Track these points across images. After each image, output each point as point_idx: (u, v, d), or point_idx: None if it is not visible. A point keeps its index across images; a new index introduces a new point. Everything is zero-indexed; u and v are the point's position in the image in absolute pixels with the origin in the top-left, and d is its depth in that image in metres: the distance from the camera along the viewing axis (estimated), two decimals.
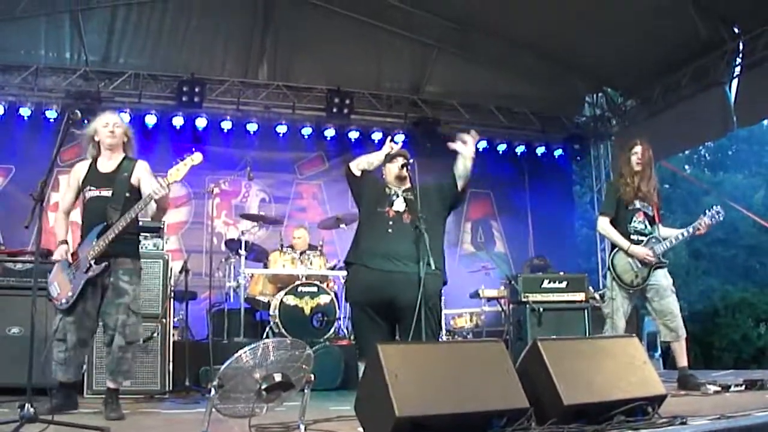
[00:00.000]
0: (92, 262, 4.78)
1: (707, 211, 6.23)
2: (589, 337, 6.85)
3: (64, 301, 4.81)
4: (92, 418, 4.50)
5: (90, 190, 4.99)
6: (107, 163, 5.09)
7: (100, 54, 11.07)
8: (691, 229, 6.20)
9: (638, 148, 6.38)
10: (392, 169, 5.55)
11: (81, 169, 5.13)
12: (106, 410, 4.74)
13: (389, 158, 5.60)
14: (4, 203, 9.98)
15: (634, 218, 6.27)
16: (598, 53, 11.55)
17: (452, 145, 5.44)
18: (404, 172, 5.45)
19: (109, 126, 5.10)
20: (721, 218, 6.22)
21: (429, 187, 5.52)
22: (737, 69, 10.49)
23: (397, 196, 5.40)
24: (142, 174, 5.08)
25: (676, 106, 11.41)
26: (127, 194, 4.99)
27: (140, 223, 5.46)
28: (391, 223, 5.29)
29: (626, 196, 6.30)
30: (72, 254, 4.91)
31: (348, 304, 5.77)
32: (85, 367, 5.33)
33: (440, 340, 6.67)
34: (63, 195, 5.22)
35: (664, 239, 6.22)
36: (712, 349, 17.09)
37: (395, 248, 5.18)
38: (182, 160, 4.96)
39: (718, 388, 5.65)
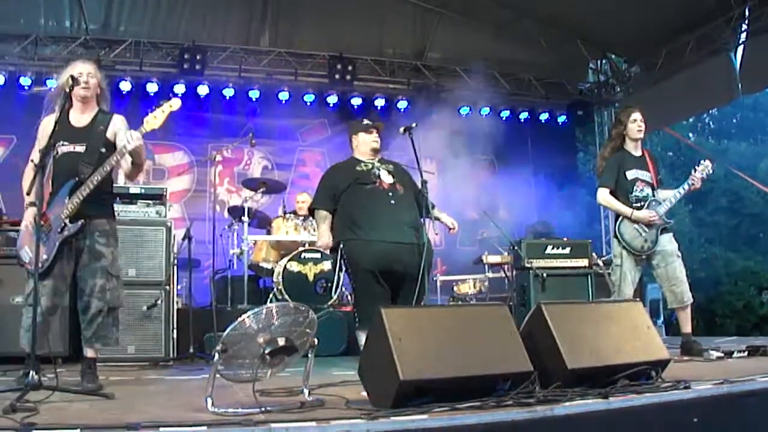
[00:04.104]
0: (66, 221, 4.43)
1: (696, 167, 6.19)
2: (593, 301, 6.83)
3: (39, 265, 4.26)
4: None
5: (63, 145, 4.52)
6: (80, 117, 4.65)
7: (100, 22, 10.99)
8: (687, 186, 6.17)
9: (637, 115, 6.32)
10: (367, 140, 5.58)
11: (50, 122, 4.50)
12: (83, 381, 4.42)
13: (365, 128, 5.63)
14: (5, 173, 9.89)
15: (635, 187, 6.20)
16: (602, 19, 11.45)
17: (444, 221, 5.68)
18: (379, 144, 5.56)
19: (83, 76, 4.63)
20: (711, 171, 6.19)
21: (404, 172, 5.66)
22: (743, 35, 10.41)
23: (380, 170, 5.46)
24: (119, 128, 4.67)
25: (680, 73, 11.33)
26: (103, 150, 4.58)
27: (118, 183, 5.32)
28: (390, 194, 5.36)
29: (626, 165, 6.25)
30: (42, 215, 4.29)
31: (352, 273, 5.69)
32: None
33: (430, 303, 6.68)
34: (34, 151, 4.60)
35: (664, 200, 6.19)
36: (714, 316, 17.15)
37: (400, 217, 5.26)
38: (159, 107, 4.59)
39: (721, 354, 5.63)
